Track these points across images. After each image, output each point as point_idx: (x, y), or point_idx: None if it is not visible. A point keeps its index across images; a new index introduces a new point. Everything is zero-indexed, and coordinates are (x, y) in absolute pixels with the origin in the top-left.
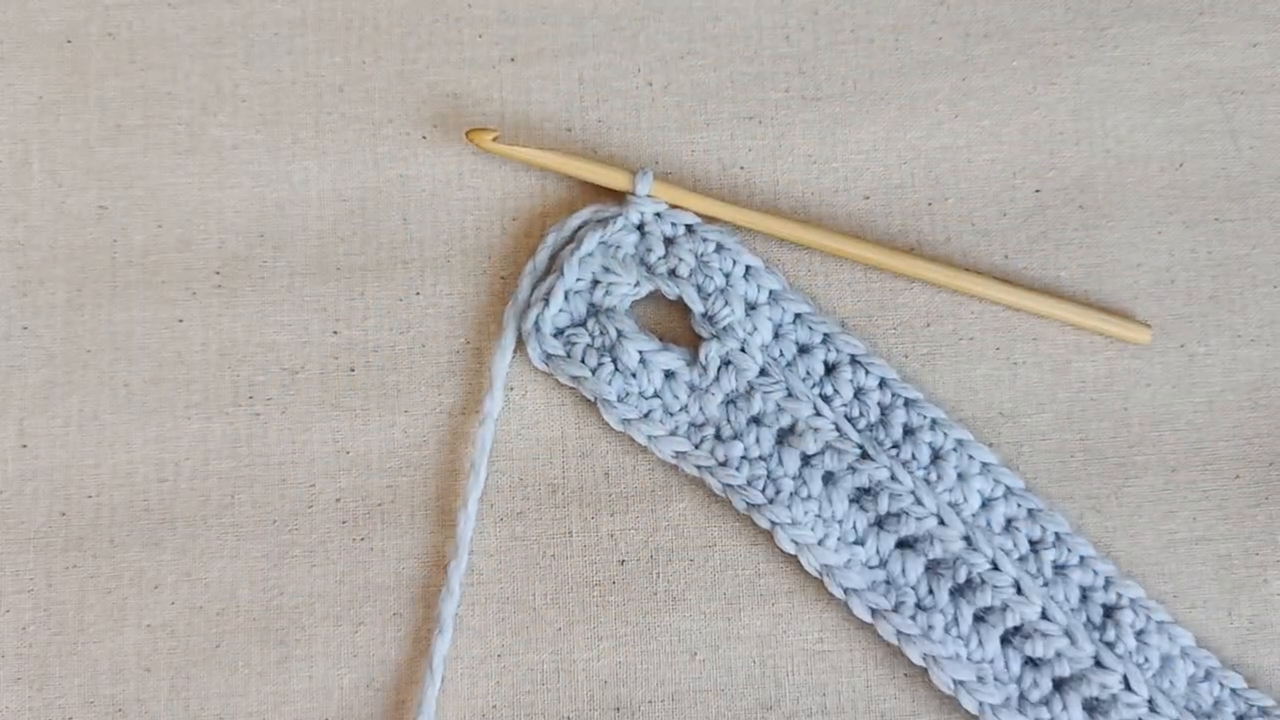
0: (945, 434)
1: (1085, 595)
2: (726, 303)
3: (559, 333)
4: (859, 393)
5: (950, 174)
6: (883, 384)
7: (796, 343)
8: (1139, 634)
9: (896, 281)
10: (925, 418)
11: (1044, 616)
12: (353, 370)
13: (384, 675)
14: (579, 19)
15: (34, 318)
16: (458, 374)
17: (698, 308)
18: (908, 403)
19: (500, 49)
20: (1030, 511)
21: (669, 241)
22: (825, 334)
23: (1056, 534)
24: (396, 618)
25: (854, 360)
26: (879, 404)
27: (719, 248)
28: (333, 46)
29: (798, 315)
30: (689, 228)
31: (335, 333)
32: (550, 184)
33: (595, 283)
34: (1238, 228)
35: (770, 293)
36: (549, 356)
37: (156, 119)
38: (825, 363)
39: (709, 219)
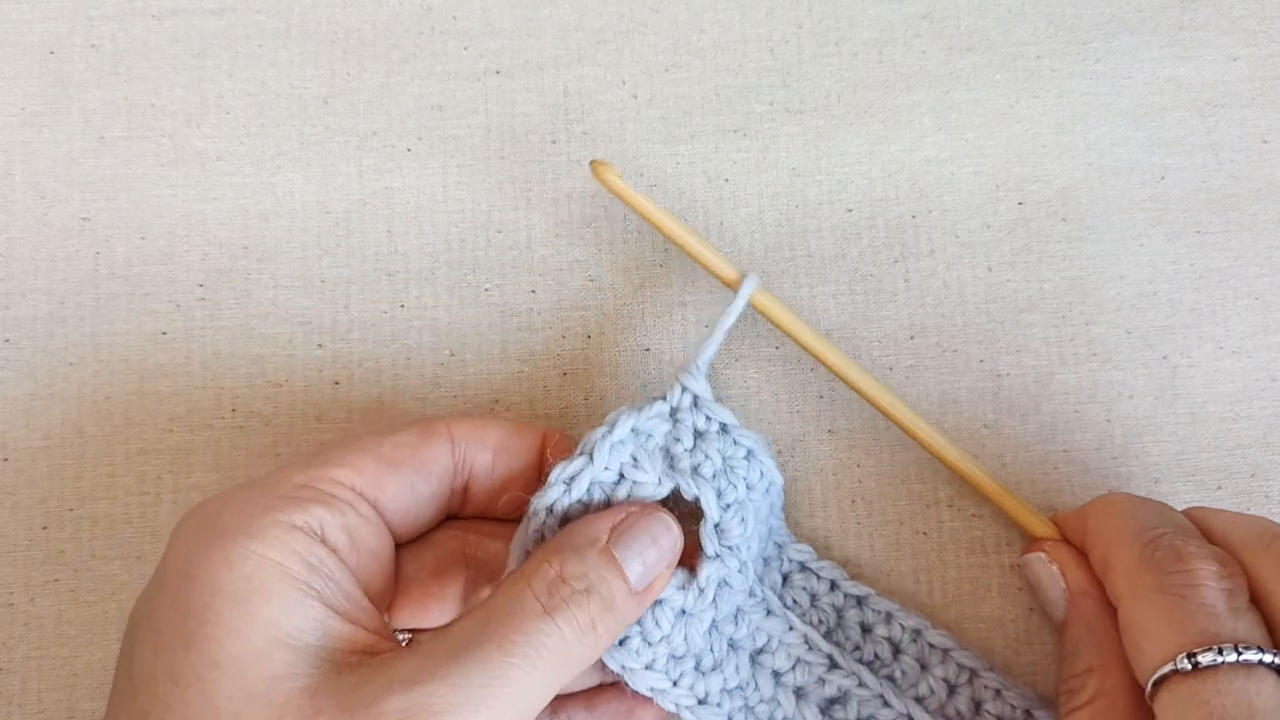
0: (901, 626)
1: None
2: (742, 519)
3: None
4: (814, 599)
5: (934, 187)
6: (833, 586)
7: (762, 557)
8: None
9: (881, 294)
10: (879, 612)
11: None
12: (337, 383)
13: None
14: (564, 31)
15: (16, 330)
16: (442, 387)
17: (714, 516)
18: (859, 601)
19: (485, 61)
20: (997, 691)
21: (698, 435)
22: (778, 544)
23: (1027, 710)
24: None
25: (804, 567)
26: (833, 606)
27: (749, 455)
28: (317, 59)
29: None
30: (723, 426)
31: (320, 346)
32: (535, 195)
33: (620, 478)
34: (1219, 240)
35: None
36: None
37: (140, 131)
38: (781, 574)
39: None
